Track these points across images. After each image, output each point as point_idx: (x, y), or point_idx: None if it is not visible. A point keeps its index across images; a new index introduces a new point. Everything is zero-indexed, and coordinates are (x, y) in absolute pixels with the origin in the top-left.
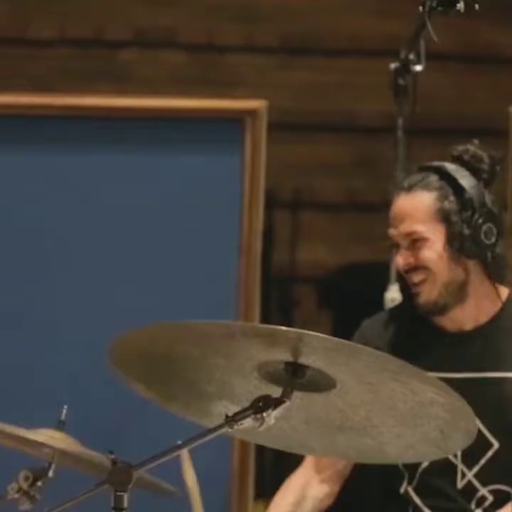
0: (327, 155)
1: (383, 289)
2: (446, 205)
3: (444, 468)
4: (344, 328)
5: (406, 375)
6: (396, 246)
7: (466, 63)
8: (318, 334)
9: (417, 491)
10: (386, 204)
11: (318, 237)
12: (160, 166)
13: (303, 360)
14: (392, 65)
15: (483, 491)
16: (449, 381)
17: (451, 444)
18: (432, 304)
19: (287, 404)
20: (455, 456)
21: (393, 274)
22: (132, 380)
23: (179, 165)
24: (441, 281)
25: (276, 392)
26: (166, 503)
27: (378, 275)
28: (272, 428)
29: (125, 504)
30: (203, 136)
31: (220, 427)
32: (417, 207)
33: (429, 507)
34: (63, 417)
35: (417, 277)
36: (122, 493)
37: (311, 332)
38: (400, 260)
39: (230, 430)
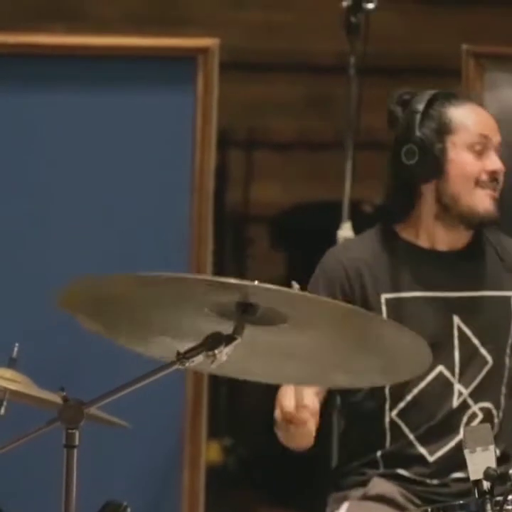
0: (280, 94)
1: (336, 227)
2: None
3: (442, 389)
4: (297, 266)
5: (355, 317)
6: (479, 148)
7: (420, 2)
8: (267, 286)
9: (403, 416)
10: (339, 143)
11: (271, 177)
12: (112, 104)
13: (253, 300)
14: (345, 3)
15: (474, 408)
16: (445, 300)
17: (400, 372)
18: (496, 217)
19: (238, 340)
20: (453, 374)
21: (346, 213)
22: (78, 314)
23: (131, 104)
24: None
25: (227, 327)
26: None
27: (331, 213)
28: None
29: (77, 441)
30: (155, 75)
31: (172, 363)
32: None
33: (415, 431)
34: (14, 354)
35: (499, 185)
36: (74, 431)
37: (259, 284)
38: (499, 165)
39: (181, 367)
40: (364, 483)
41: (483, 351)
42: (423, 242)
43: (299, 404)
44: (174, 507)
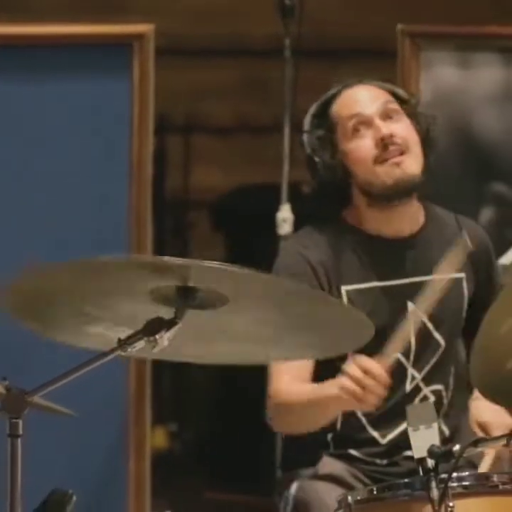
0: (218, 79)
1: (276, 209)
2: (399, 100)
3: (396, 375)
4: (237, 250)
5: (298, 295)
6: (362, 126)
7: None
8: (207, 263)
9: None
10: (277, 126)
11: (210, 161)
12: (48, 92)
13: (193, 283)
14: None
15: (425, 390)
16: (398, 287)
17: (340, 347)
18: (414, 178)
19: (179, 325)
20: (407, 359)
21: (285, 195)
22: (14, 312)
23: (67, 91)
24: (419, 164)
25: (167, 312)
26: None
27: (270, 196)
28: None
29: (20, 431)
30: (91, 62)
31: (113, 350)
32: (380, 90)
33: (367, 415)
34: None
35: (398, 151)
36: (17, 420)
37: (199, 262)
38: (385, 129)
39: (123, 353)
40: (314, 463)
41: (436, 335)
42: (372, 230)
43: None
44: (120, 494)
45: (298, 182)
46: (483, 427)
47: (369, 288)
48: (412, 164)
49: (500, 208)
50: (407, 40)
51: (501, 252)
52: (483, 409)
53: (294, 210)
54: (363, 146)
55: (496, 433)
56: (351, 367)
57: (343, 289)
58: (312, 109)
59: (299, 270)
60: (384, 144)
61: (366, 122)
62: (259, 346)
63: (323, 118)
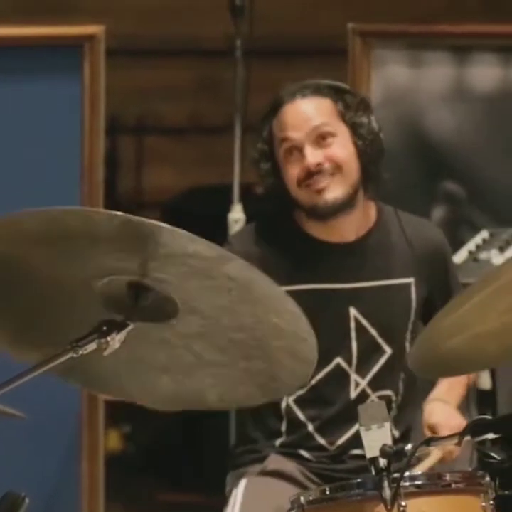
0: (170, 79)
1: (228, 210)
2: (342, 106)
3: (339, 381)
4: None
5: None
6: (295, 150)
7: None
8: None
9: (300, 403)
10: (230, 126)
11: (163, 162)
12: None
13: (148, 281)
14: None
15: (373, 396)
16: (339, 292)
17: (279, 385)
18: (339, 202)
19: (131, 327)
20: (350, 366)
21: (236, 195)
22: None
23: (18, 93)
24: (350, 181)
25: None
26: None
27: (222, 197)
28: (90, 370)
29: None
30: (41, 64)
31: (65, 352)
32: (317, 106)
33: (313, 422)
34: None
35: (324, 178)
36: None
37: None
38: (311, 159)
39: (75, 355)
40: (261, 460)
41: (380, 341)
42: (317, 234)
43: None
44: (74, 496)
45: (250, 183)
46: (432, 428)
47: (308, 290)
48: (336, 188)
49: (452, 206)
50: (358, 39)
51: (453, 250)
52: (434, 412)
53: (246, 211)
54: (291, 170)
55: (445, 434)
56: None
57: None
58: (263, 113)
59: None
60: (310, 173)
61: (297, 147)
62: (198, 385)
63: (266, 129)
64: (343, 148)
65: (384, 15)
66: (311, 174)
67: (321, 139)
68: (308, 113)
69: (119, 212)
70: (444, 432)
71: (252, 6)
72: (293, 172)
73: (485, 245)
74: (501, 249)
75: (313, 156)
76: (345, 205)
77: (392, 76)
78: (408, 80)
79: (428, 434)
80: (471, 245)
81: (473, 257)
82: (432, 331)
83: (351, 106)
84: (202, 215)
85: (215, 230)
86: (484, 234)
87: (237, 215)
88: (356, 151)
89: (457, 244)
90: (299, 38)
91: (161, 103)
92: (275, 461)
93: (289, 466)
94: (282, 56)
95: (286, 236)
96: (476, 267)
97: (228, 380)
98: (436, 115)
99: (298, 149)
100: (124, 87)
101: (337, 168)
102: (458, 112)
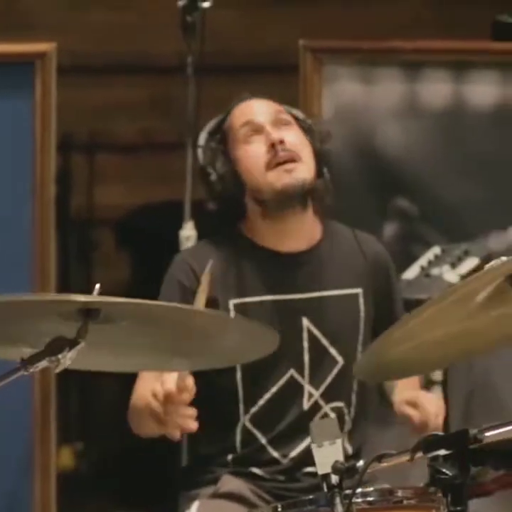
0: (121, 96)
1: (180, 227)
2: (295, 111)
3: (293, 392)
4: (142, 267)
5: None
6: (255, 134)
7: None
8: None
9: (255, 419)
10: (181, 143)
11: (115, 179)
12: None
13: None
14: (180, 3)
15: (326, 408)
16: (292, 302)
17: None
18: (307, 186)
19: (82, 345)
20: (303, 377)
21: (188, 212)
22: None
23: None
24: (310, 173)
25: (70, 329)
26: None
27: (175, 214)
28: None
29: None
30: None
31: (16, 370)
32: (272, 102)
33: (267, 435)
34: None
35: (286, 153)
36: None
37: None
38: (275, 135)
39: (25, 373)
40: (214, 481)
41: (332, 351)
42: (267, 244)
43: (181, 385)
44: None
45: (202, 199)
46: (411, 402)
47: (259, 301)
48: (303, 171)
49: (403, 222)
50: (309, 55)
51: (405, 266)
52: (404, 390)
53: (198, 228)
54: (254, 151)
55: (427, 403)
56: (158, 385)
57: (231, 302)
58: (207, 126)
59: (186, 283)
60: (274, 149)
61: (257, 129)
62: (167, 356)
63: (217, 132)
64: (300, 138)
65: (335, 31)
66: (276, 151)
67: (280, 123)
68: (265, 103)
69: None
70: (425, 401)
71: (203, 23)
72: (256, 153)
73: (437, 261)
74: (453, 265)
75: (276, 133)
76: (307, 193)
77: (343, 92)
78: (360, 96)
79: (408, 410)
80: (422, 261)
81: (424, 273)
82: (381, 343)
83: (300, 119)
84: (153, 232)
85: (167, 247)
86: (436, 250)
87: (188, 232)
88: (312, 149)
89: (409, 261)
90: (250, 55)
91: (113, 121)
92: (228, 482)
93: (242, 487)
94: (234, 73)
95: (236, 249)
96: (428, 283)
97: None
98: (388, 131)
99: (258, 132)
100: (77, 104)
101: (297, 154)
102: (409, 128)
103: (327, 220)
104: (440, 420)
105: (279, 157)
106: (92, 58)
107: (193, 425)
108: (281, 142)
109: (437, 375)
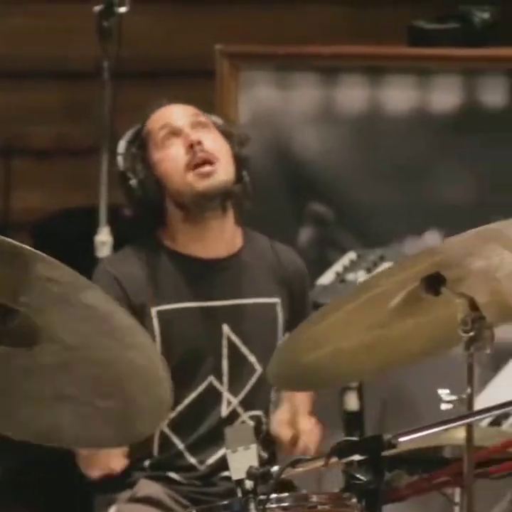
0: (37, 101)
1: (95, 232)
2: (214, 117)
3: (212, 399)
4: None
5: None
6: (173, 137)
7: (172, 4)
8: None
9: (173, 425)
10: (97, 148)
11: (31, 184)
12: None
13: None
14: (96, 8)
15: (244, 416)
16: (212, 309)
17: (134, 428)
18: (226, 188)
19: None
20: (222, 383)
21: (103, 218)
22: None
23: None
24: (229, 176)
25: None
26: None
27: (90, 219)
28: None
29: None
30: None
31: None
32: (190, 106)
33: (185, 441)
34: None
35: (204, 154)
36: None
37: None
38: (193, 136)
39: None
40: (131, 485)
41: (252, 359)
42: (187, 251)
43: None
44: None
45: (118, 205)
46: (290, 421)
47: (181, 308)
48: (222, 173)
49: (319, 227)
50: (226, 61)
51: (320, 271)
52: (282, 412)
53: (115, 233)
54: (173, 154)
55: (306, 427)
56: None
57: (154, 310)
58: (126, 135)
59: (108, 291)
60: (193, 150)
61: (176, 132)
62: (55, 419)
63: (136, 139)
64: (219, 141)
65: (252, 37)
66: (194, 152)
67: (199, 126)
68: (183, 107)
69: None
70: (304, 422)
71: (119, 29)
72: (175, 155)
73: (352, 266)
74: (368, 271)
75: (195, 134)
76: (227, 195)
77: (260, 97)
78: (276, 102)
79: (287, 431)
80: (338, 267)
81: (340, 278)
82: (291, 343)
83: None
84: (69, 237)
85: (83, 253)
86: (351, 255)
87: (104, 238)
88: (231, 153)
89: (324, 266)
90: (167, 60)
91: (29, 125)
92: (145, 486)
93: (159, 491)
94: (150, 78)
95: (158, 256)
96: (343, 288)
97: (85, 419)
98: (304, 136)
99: (176, 134)
100: None
101: (215, 156)
102: (326, 133)
103: (247, 229)
104: (312, 447)
105: (197, 158)
106: (7, 62)
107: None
108: (200, 143)
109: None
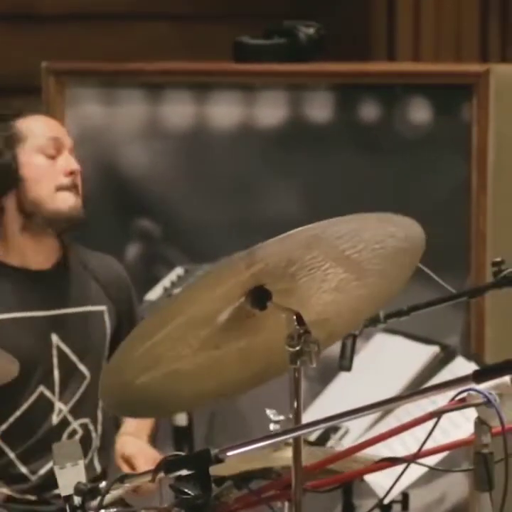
0: None
1: None
2: None
3: (43, 409)
4: None
5: None
6: (56, 151)
7: (1, 21)
8: None
9: (5, 438)
10: None
11: None
12: None
13: None
14: None
15: (74, 424)
16: (42, 319)
17: None
18: (82, 211)
19: None
20: (53, 393)
21: None
22: None
23: None
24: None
25: None
26: None
27: None
28: None
29: None
30: None
31: None
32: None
33: (16, 450)
34: None
35: (78, 183)
36: None
37: None
38: (74, 165)
39: None
40: None
41: (81, 367)
42: (14, 260)
43: None
44: None
45: None
46: (127, 460)
47: (7, 319)
48: (79, 199)
49: (146, 243)
50: (52, 78)
51: (148, 287)
52: (127, 444)
53: None
54: (51, 167)
55: (142, 465)
56: None
57: None
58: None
59: None
60: (73, 176)
61: (59, 149)
62: None
63: (5, 127)
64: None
65: (80, 53)
66: (72, 179)
67: (72, 151)
68: (64, 129)
69: None
70: (141, 464)
71: None
72: (53, 172)
73: (180, 281)
74: None
75: (74, 162)
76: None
77: (86, 114)
78: (102, 118)
79: (123, 466)
80: (166, 282)
81: (168, 293)
82: (119, 364)
83: None
84: None
85: None
86: (179, 270)
87: None
88: None
89: (152, 281)
90: None
91: None
92: None
93: None
94: None
95: None
96: None
97: None
98: (131, 153)
99: (59, 152)
100: None
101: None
102: (152, 149)
103: (67, 238)
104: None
105: (72, 185)
106: None
107: None
108: (76, 173)
109: None
